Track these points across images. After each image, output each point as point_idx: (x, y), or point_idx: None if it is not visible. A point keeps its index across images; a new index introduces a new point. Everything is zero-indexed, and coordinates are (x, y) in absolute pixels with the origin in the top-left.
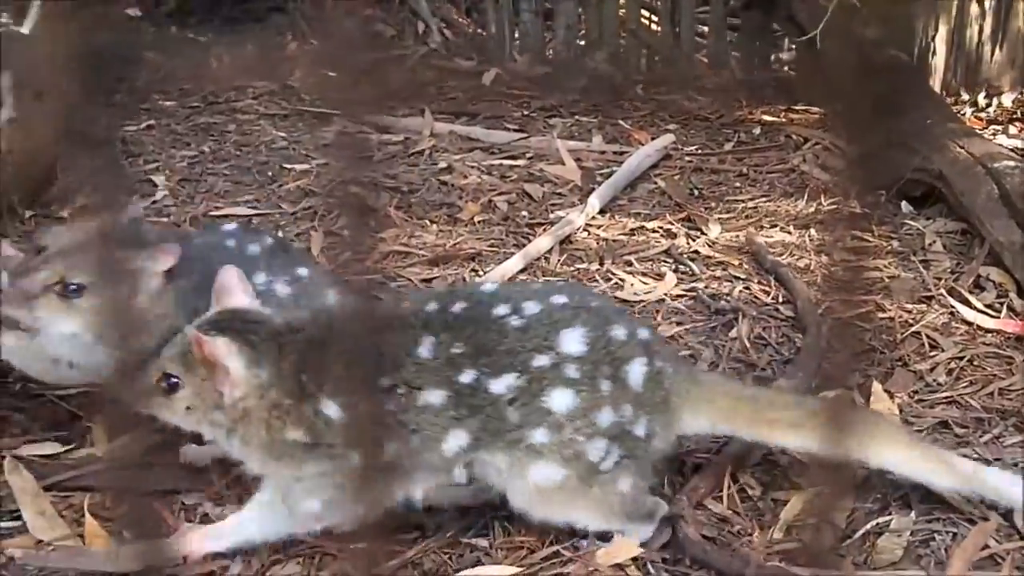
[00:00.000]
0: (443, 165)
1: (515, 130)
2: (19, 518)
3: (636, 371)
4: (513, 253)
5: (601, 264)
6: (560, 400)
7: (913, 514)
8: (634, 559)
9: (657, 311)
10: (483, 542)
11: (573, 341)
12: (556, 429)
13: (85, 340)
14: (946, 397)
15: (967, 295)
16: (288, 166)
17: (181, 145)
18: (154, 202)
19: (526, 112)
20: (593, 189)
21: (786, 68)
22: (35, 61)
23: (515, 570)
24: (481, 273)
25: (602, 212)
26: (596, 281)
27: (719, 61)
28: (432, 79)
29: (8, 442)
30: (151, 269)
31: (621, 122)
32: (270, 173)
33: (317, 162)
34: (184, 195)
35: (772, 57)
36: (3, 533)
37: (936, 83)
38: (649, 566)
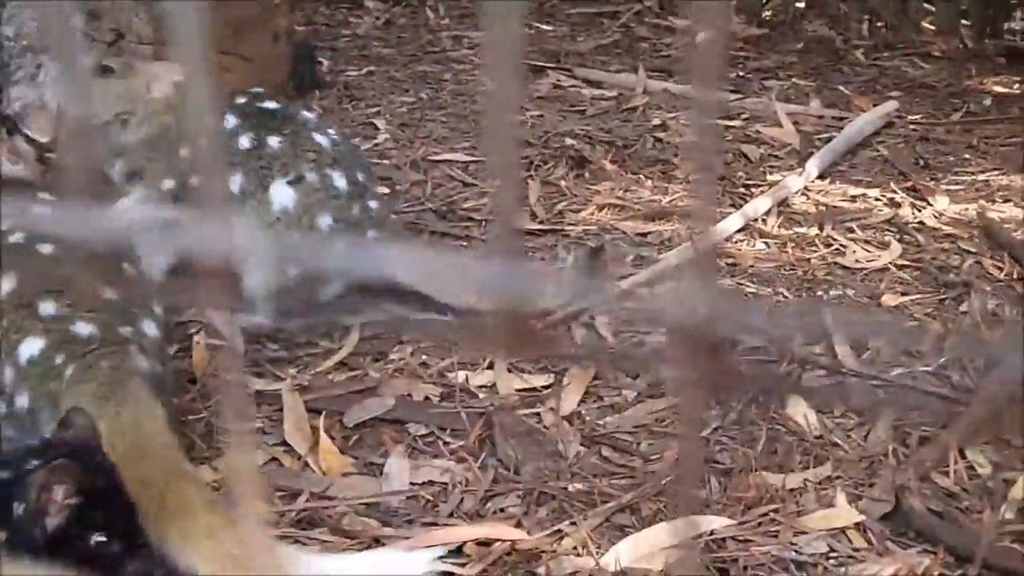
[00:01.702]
0: (657, 122)
1: (730, 91)
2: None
3: None
4: (730, 212)
5: (821, 229)
6: None
7: None
8: (856, 525)
9: (880, 279)
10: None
11: None
12: None
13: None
14: None
15: None
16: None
17: (400, 92)
18: (376, 144)
19: (741, 73)
20: (812, 153)
21: (1019, 37)
22: (270, 4)
23: (731, 522)
24: (697, 231)
25: (821, 177)
26: (815, 246)
27: (947, 27)
28: (646, 36)
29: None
30: (167, 76)
31: (841, 87)
32: (486, 123)
33: (532, 113)
34: (404, 139)
35: (1004, 26)
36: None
37: None
38: (871, 534)
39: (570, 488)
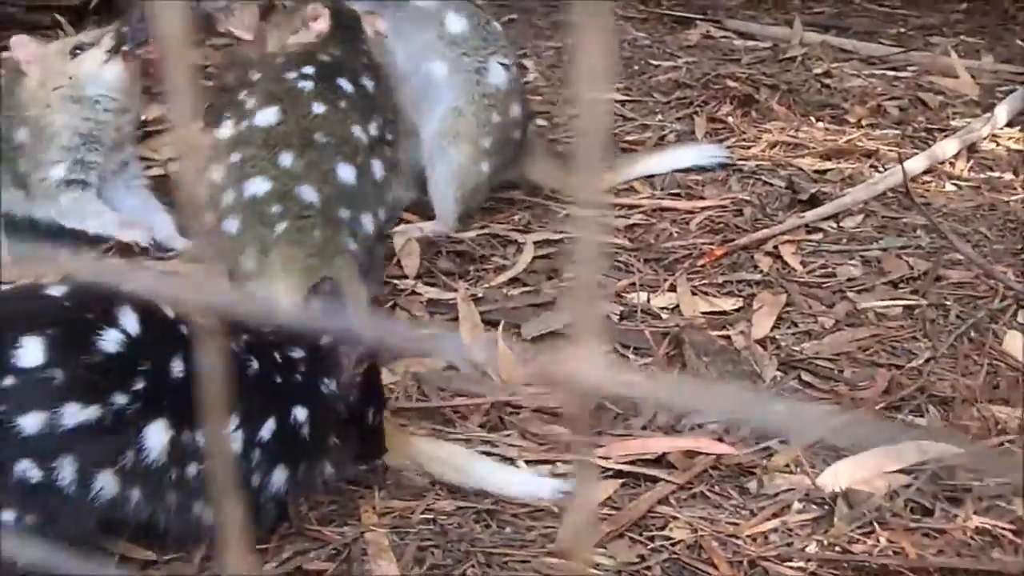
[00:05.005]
0: (819, 71)
1: (891, 45)
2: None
3: None
4: (913, 154)
5: (1016, 174)
6: None
7: None
8: None
9: None
10: None
11: None
12: None
13: None
14: None
15: None
16: (654, 63)
17: (544, 38)
18: (526, 83)
19: (902, 29)
20: (993, 104)
21: None
22: None
23: (958, 451)
24: (881, 169)
25: (1010, 125)
26: (1014, 190)
27: None
28: None
29: None
30: None
31: (1019, 41)
32: (636, 67)
33: (684, 60)
34: (555, 79)
35: None
36: None
37: None
38: None
39: None
